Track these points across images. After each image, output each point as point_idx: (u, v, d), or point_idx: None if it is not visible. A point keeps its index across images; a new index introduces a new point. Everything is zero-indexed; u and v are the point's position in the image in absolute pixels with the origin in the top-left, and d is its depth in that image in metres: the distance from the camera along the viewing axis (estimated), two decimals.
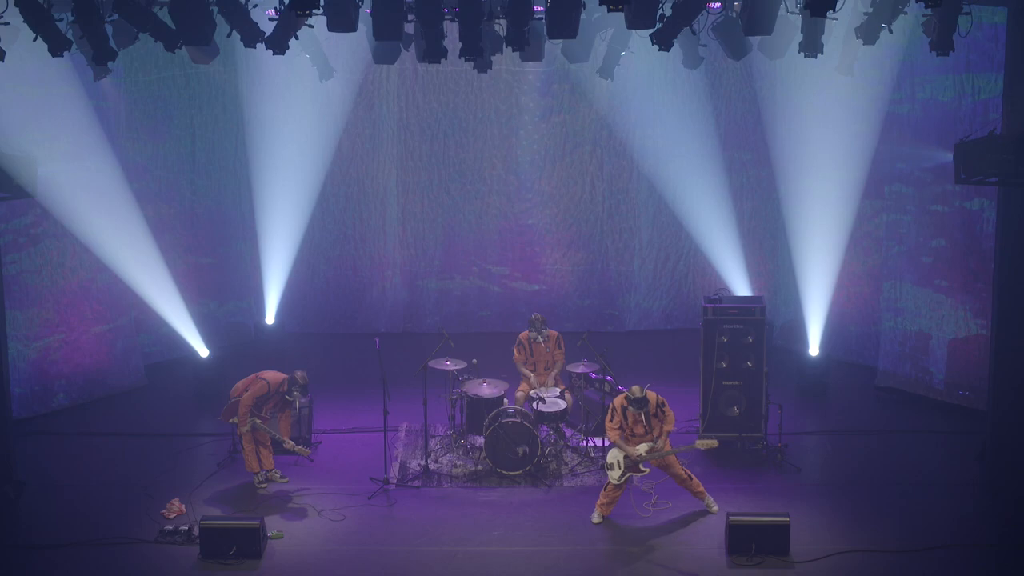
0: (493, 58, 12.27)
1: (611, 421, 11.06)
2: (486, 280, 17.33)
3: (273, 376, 11.86)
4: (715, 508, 11.24)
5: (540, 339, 13.05)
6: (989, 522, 11.20)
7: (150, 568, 10.36)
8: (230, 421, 11.89)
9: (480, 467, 12.21)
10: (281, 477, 12.02)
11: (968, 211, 13.67)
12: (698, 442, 11.03)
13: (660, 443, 10.96)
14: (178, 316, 15.32)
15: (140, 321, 15.34)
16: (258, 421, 11.77)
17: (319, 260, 17.20)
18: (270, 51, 11.42)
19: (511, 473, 11.99)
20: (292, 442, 11.87)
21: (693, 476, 11.30)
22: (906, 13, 11.54)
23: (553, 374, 13.11)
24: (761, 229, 16.82)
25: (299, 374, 11.86)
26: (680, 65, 13.79)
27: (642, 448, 10.92)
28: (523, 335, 13.23)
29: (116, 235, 14.65)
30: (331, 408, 13.43)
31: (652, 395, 11.02)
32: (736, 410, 12.66)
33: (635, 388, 10.89)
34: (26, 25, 10.58)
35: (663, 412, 11.08)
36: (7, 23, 10.54)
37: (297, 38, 11.77)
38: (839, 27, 12.36)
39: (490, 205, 17.12)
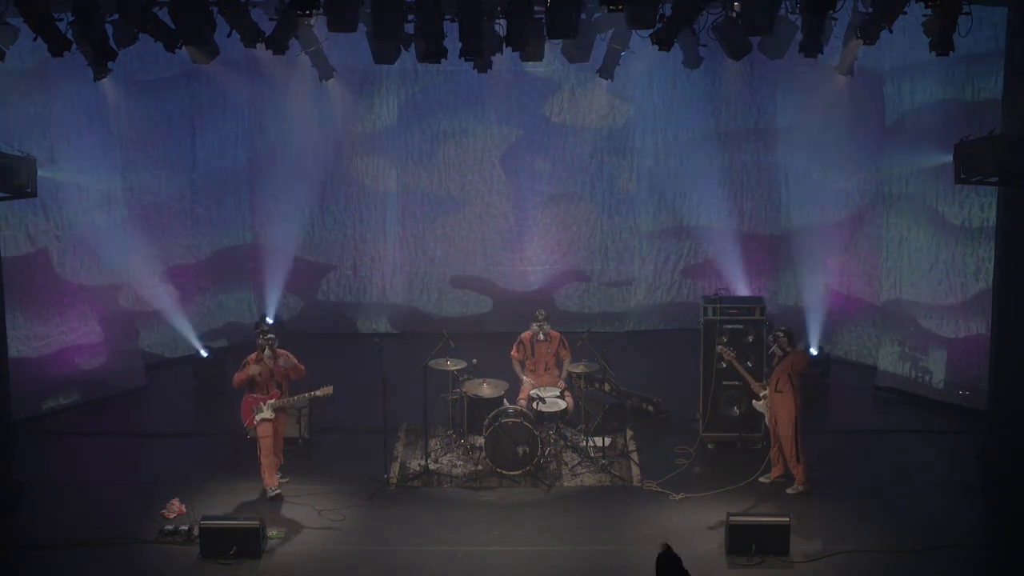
0: (493, 58, 12.27)
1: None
2: (486, 280, 17.31)
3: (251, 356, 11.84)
4: (789, 491, 11.63)
5: (542, 336, 13.03)
6: (989, 522, 11.20)
7: (150, 568, 10.36)
8: (253, 423, 11.73)
9: (480, 467, 12.21)
10: (281, 477, 12.01)
11: (967, 211, 13.66)
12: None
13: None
14: (178, 316, 15.33)
15: (140, 321, 15.34)
16: (271, 402, 11.69)
17: (319, 260, 17.19)
18: (270, 51, 11.43)
19: (511, 473, 11.98)
20: (309, 394, 11.79)
21: (801, 461, 11.56)
22: (906, 13, 11.55)
23: (561, 375, 13.02)
24: (761, 229, 16.81)
25: (261, 340, 11.81)
26: (680, 65, 13.79)
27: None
28: (525, 335, 13.18)
29: (116, 235, 14.67)
30: (331, 408, 13.40)
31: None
32: (736, 410, 12.67)
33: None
34: (26, 25, 10.59)
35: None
36: (7, 23, 10.56)
37: (297, 38, 11.78)
38: (839, 27, 12.38)
39: (490, 205, 17.10)
